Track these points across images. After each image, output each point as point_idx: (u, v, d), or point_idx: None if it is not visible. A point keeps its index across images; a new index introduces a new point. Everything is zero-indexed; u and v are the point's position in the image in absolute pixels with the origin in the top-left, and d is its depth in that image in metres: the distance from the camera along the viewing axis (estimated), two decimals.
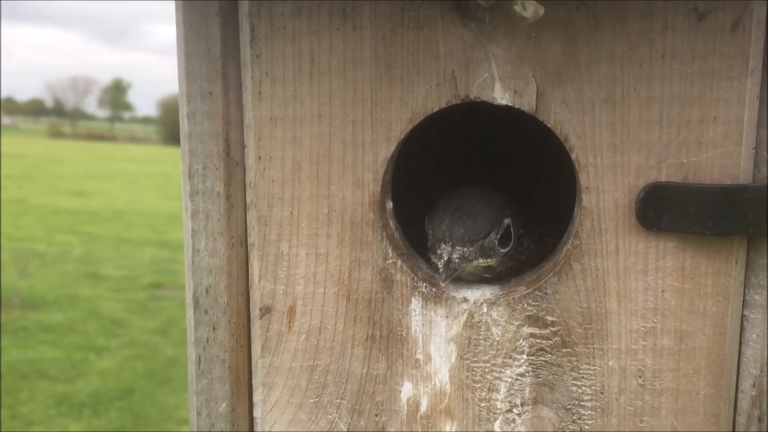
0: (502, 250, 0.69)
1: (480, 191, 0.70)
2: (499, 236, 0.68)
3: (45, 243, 7.35)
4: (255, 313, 0.66)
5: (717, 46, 0.56)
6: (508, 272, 0.70)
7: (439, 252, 0.66)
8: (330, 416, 0.67)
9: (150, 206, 10.83)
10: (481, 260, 0.67)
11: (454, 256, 0.65)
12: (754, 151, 0.59)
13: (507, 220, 0.69)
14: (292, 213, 0.64)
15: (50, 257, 6.79)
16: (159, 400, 3.82)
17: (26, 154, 21.06)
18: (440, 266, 0.64)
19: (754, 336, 0.62)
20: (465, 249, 0.66)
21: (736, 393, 0.63)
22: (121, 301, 5.70)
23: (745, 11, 0.55)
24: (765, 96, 0.58)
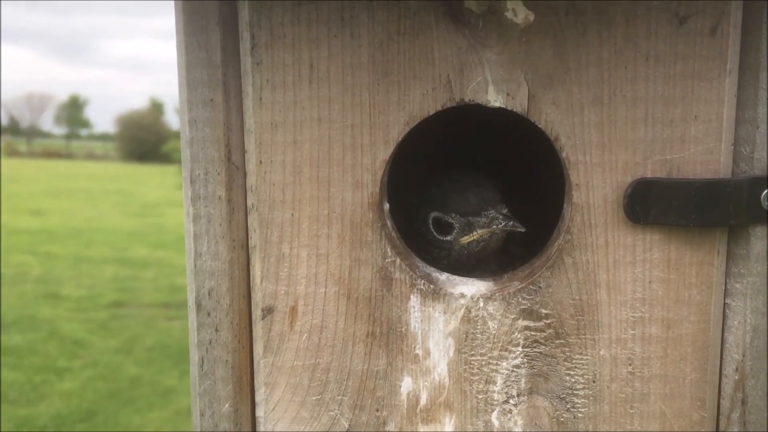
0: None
1: (471, 171, 0.77)
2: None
3: (2, 264, 7.19)
4: (257, 314, 0.68)
5: (697, 49, 0.60)
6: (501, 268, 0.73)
7: (485, 220, 0.72)
8: (332, 413, 0.69)
9: (110, 224, 10.67)
10: (483, 230, 0.73)
11: (504, 211, 0.72)
12: (732, 147, 0.62)
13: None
14: (293, 215, 0.66)
15: (8, 278, 6.64)
16: (123, 421, 3.76)
17: None
18: (502, 223, 0.71)
19: (735, 323, 0.65)
20: (502, 206, 0.72)
21: (720, 377, 0.66)
22: (82, 321, 5.60)
23: (723, 15, 0.59)
24: (742, 95, 0.62)
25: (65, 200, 13.75)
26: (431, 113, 0.64)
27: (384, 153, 0.65)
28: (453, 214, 0.74)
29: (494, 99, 0.63)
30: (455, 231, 0.75)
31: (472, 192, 0.74)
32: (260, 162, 0.66)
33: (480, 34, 0.62)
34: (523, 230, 0.71)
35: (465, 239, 0.74)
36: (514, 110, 0.63)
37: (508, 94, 0.63)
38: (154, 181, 19.83)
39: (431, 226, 0.76)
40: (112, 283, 6.86)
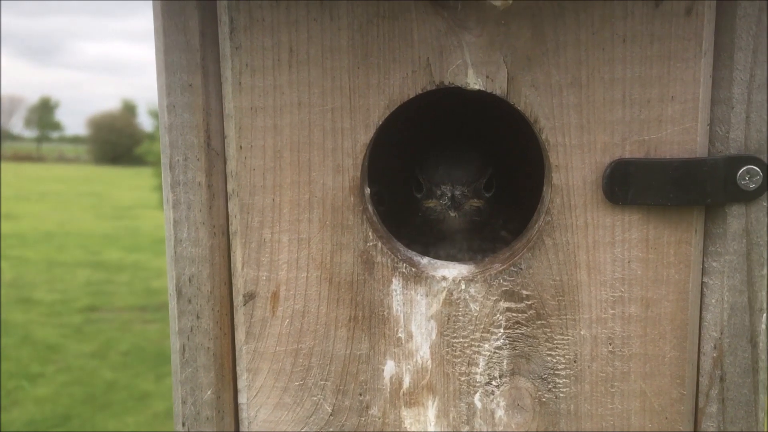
0: (486, 194, 0.79)
1: (466, 143, 0.81)
2: (485, 181, 0.78)
3: None
4: (238, 300, 0.68)
5: (673, 30, 0.61)
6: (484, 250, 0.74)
7: (440, 192, 0.76)
8: (315, 398, 0.69)
9: (83, 227, 10.55)
10: (474, 200, 0.77)
11: (456, 192, 0.75)
12: (708, 127, 0.63)
13: (490, 169, 0.79)
14: (273, 200, 0.66)
15: None
16: (98, 426, 3.72)
17: None
18: (447, 202, 0.75)
19: (713, 301, 0.66)
20: (463, 188, 0.76)
21: (699, 355, 0.67)
22: (55, 326, 5.53)
23: None
24: (717, 76, 0.63)
25: (36, 204, 13.58)
26: (411, 96, 0.64)
27: (365, 137, 0.65)
28: (424, 176, 0.79)
29: (474, 82, 0.63)
30: (423, 192, 0.79)
31: (443, 164, 0.78)
32: (240, 147, 0.65)
33: (459, 17, 0.62)
34: (453, 214, 0.76)
35: (426, 203, 0.79)
36: (494, 92, 0.63)
37: (487, 77, 0.63)
38: (128, 184, 19.65)
39: (412, 182, 0.81)
40: (86, 287, 6.78)
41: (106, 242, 9.24)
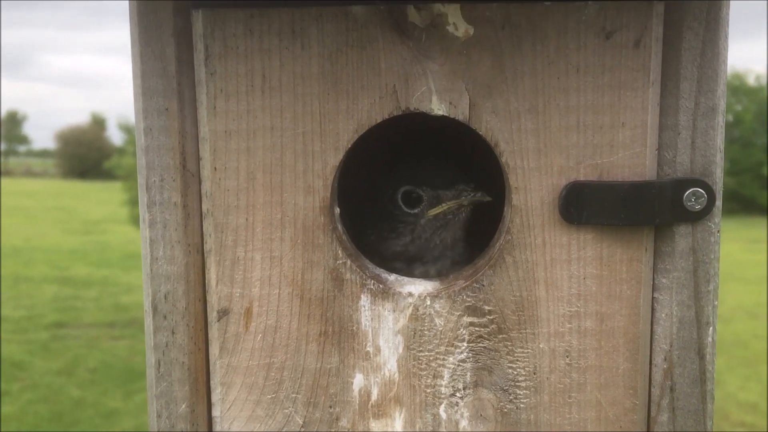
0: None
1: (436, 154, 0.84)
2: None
3: None
4: (213, 316, 0.70)
5: (623, 61, 0.65)
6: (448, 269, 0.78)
7: (455, 192, 0.79)
8: (286, 410, 0.71)
9: (50, 242, 10.43)
10: (451, 201, 0.79)
11: (471, 185, 0.78)
12: (657, 152, 0.68)
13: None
14: (247, 219, 0.69)
15: None
16: None
17: None
18: (469, 192, 0.78)
19: (663, 315, 0.70)
20: (440, 191, 0.79)
21: (650, 367, 0.71)
22: (21, 343, 5.47)
23: (646, 29, 0.65)
24: (664, 104, 0.67)
25: (2, 218, 13.38)
26: (379, 121, 0.67)
27: (334, 159, 0.68)
28: (423, 187, 0.81)
29: (437, 107, 0.67)
30: (424, 203, 0.81)
31: (440, 170, 0.80)
32: (215, 169, 0.68)
33: (423, 47, 0.66)
34: (489, 199, 0.77)
35: (433, 211, 0.80)
36: (456, 118, 0.67)
37: (450, 103, 0.67)
38: (97, 198, 19.45)
39: (400, 200, 0.82)
40: (53, 303, 6.71)
41: (74, 257, 9.14)
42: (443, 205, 0.80)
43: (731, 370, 5.17)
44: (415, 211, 0.81)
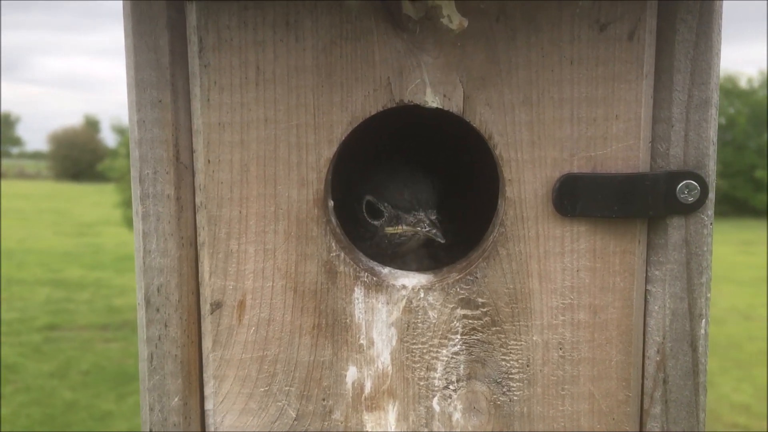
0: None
1: (415, 167, 0.82)
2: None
3: None
4: (206, 309, 0.70)
5: (617, 53, 0.66)
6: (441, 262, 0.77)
7: (413, 219, 0.77)
8: (279, 403, 0.71)
9: (43, 244, 10.39)
10: (407, 228, 0.78)
11: (432, 217, 0.76)
12: (650, 144, 0.68)
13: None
14: (240, 212, 0.69)
15: None
16: None
17: None
18: (427, 229, 0.77)
19: (656, 308, 0.70)
20: (432, 211, 0.77)
21: (643, 359, 0.71)
22: (14, 345, 5.44)
23: (639, 22, 0.65)
24: (658, 96, 0.67)
25: None
26: (373, 113, 0.67)
27: (328, 152, 0.68)
28: (386, 204, 0.79)
29: (432, 100, 0.67)
30: (383, 219, 0.80)
31: (409, 189, 0.78)
32: (208, 161, 0.68)
33: (418, 39, 0.66)
34: (442, 241, 0.77)
35: (390, 230, 0.80)
36: (451, 110, 0.67)
37: (444, 96, 0.67)
38: (90, 200, 19.38)
39: (363, 208, 0.81)
40: (46, 305, 6.68)
41: (67, 260, 9.11)
42: (399, 228, 0.79)
43: (724, 372, 5.18)
44: (375, 223, 0.81)
